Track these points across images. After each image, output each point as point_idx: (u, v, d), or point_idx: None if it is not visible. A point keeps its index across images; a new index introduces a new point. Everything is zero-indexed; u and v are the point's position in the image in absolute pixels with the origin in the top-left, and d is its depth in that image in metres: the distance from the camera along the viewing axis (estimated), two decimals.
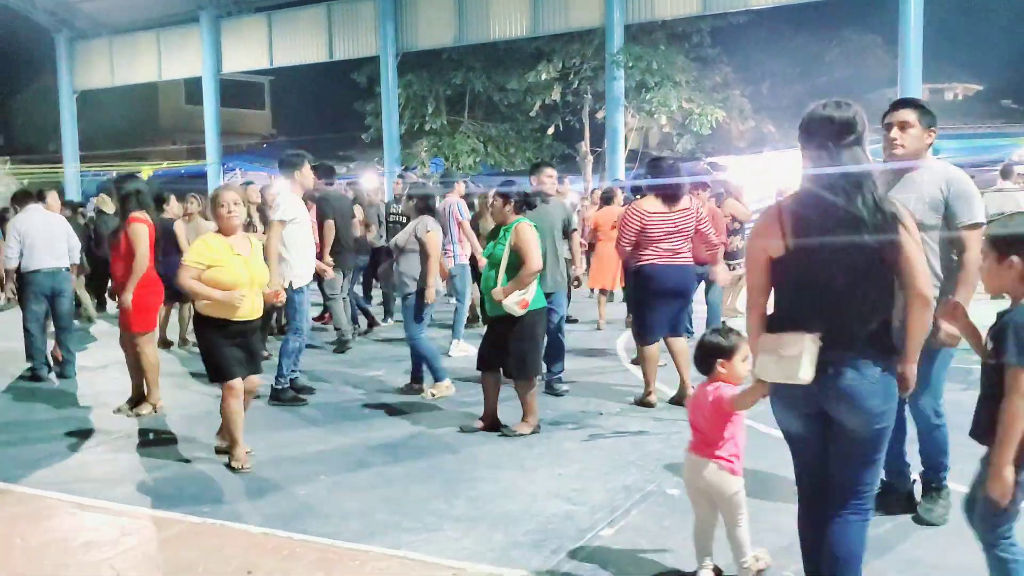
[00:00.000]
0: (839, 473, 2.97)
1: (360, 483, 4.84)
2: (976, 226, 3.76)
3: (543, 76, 21.49)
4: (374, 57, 22.65)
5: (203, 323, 5.08)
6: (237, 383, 5.04)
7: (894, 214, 2.82)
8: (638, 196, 8.31)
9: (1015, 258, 2.75)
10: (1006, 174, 10.97)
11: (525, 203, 5.77)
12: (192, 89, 30.16)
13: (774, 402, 3.03)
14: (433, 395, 6.70)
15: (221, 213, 5.13)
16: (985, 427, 2.76)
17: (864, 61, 23.82)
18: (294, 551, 3.88)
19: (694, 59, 21.41)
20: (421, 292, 6.63)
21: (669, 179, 6.42)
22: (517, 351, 5.63)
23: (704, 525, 3.49)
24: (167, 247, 7.66)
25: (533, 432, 5.68)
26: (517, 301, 5.53)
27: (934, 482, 4.09)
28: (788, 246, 2.87)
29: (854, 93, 23.65)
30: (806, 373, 2.79)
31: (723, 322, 4.23)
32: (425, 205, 6.96)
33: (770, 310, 3.04)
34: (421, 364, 6.91)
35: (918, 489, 4.17)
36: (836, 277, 2.81)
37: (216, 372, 5.08)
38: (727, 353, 3.41)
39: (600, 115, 21.82)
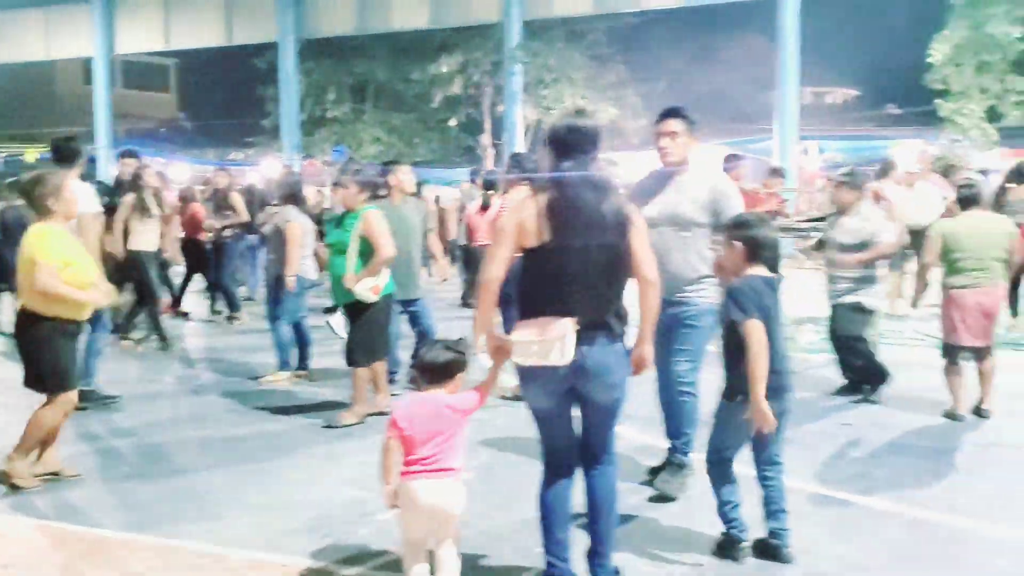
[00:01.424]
0: (593, 437, 3.35)
1: (159, 475, 4.91)
2: None
3: (444, 68, 21.65)
4: (275, 43, 22.42)
5: (52, 328, 4.51)
6: (74, 395, 4.69)
7: (628, 215, 3.23)
8: (492, 191, 8.57)
9: (736, 242, 3.55)
10: (883, 172, 11.41)
11: (375, 193, 5.88)
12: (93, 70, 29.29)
13: (529, 385, 3.27)
14: (270, 381, 6.85)
15: (68, 198, 4.62)
16: (732, 384, 3.52)
17: (755, 63, 24.62)
18: (64, 541, 3.96)
19: (591, 57, 21.83)
20: (281, 280, 6.73)
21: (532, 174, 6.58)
22: (361, 337, 5.74)
23: (416, 549, 3.27)
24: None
25: (360, 422, 5.74)
26: (370, 287, 5.63)
27: (678, 453, 4.37)
28: (547, 239, 3.15)
29: (746, 94, 24.50)
30: (568, 355, 3.08)
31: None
32: (291, 195, 7.04)
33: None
34: (307, 349, 7.04)
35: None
36: (589, 267, 3.16)
37: (60, 382, 4.56)
38: (465, 366, 3.34)
39: (501, 109, 22.09)
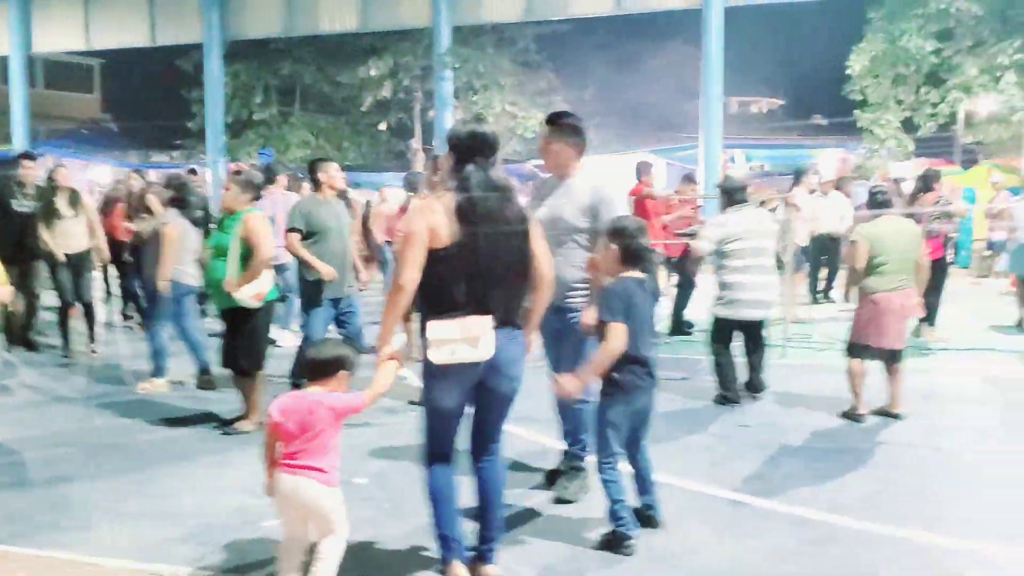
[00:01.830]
0: (489, 428, 3.47)
1: (38, 485, 4.72)
2: None
3: (373, 72, 21.49)
4: (200, 44, 21.98)
5: None
6: None
7: (528, 217, 3.45)
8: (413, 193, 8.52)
9: (613, 246, 3.78)
10: (797, 179, 11.68)
11: (258, 194, 5.73)
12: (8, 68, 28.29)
13: (440, 383, 3.28)
14: (145, 389, 6.68)
15: None
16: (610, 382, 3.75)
17: (683, 72, 25.12)
18: None
19: (521, 64, 21.92)
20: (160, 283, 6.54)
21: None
22: (244, 344, 5.58)
23: (295, 544, 3.30)
24: None
25: (258, 429, 5.56)
26: (253, 293, 5.45)
27: (574, 460, 4.41)
28: (458, 239, 3.20)
29: (673, 102, 24.90)
30: (490, 350, 3.20)
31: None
32: (176, 198, 6.85)
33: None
34: (198, 354, 6.78)
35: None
36: (499, 265, 3.28)
37: None
38: (351, 365, 3.34)
39: (432, 114, 22.02)
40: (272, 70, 22.47)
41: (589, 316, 3.97)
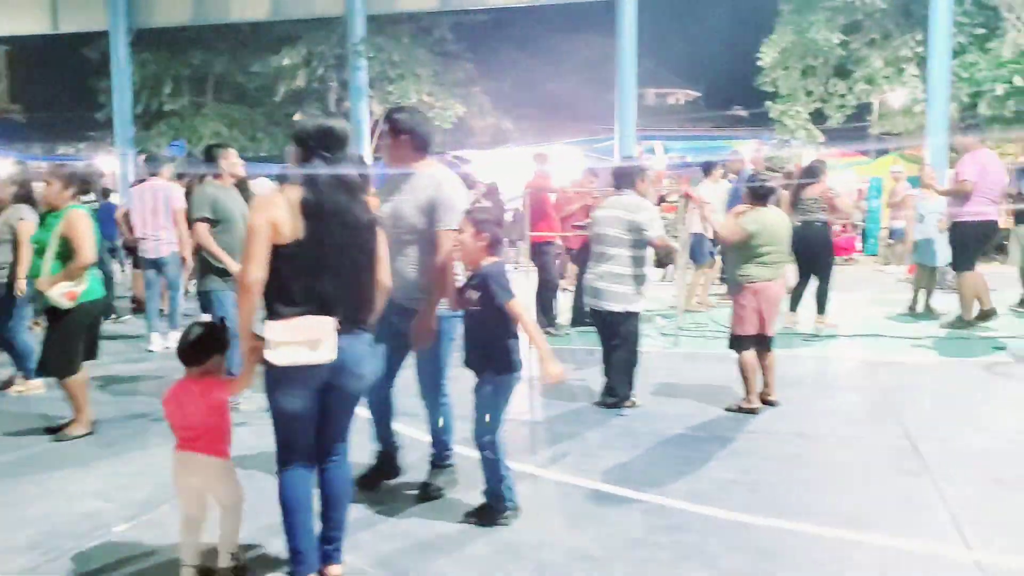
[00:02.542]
0: (335, 427, 3.37)
1: None
2: (451, 231, 4.00)
3: (286, 61, 21.06)
4: (106, 32, 21.23)
5: None
6: None
7: (374, 218, 3.38)
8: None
9: (484, 234, 3.85)
10: (706, 173, 11.83)
11: (83, 189, 5.44)
12: None
13: (284, 386, 3.15)
14: (19, 391, 6.42)
15: None
16: (477, 358, 3.89)
17: (600, 63, 25.29)
18: None
19: (439, 54, 21.75)
20: (11, 284, 6.24)
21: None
22: (51, 346, 5.30)
23: (193, 524, 3.44)
24: None
25: (89, 432, 5.43)
26: (64, 292, 5.18)
27: (440, 458, 4.38)
28: (301, 236, 3.09)
29: (592, 93, 25.02)
30: (332, 352, 3.11)
31: (222, 318, 4.21)
32: (23, 193, 6.55)
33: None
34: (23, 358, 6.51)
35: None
36: (345, 263, 3.19)
37: None
38: (223, 348, 3.46)
39: (348, 104, 21.69)
40: (183, 59, 21.82)
41: (430, 319, 4.00)
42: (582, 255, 9.51)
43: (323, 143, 3.23)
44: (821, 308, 8.94)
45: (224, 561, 3.43)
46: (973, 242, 8.46)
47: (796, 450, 5.02)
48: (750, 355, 5.82)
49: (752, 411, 5.79)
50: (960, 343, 8.09)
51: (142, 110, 21.86)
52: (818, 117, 20.63)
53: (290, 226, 3.09)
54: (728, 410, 5.85)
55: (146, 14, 21.19)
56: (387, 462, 4.51)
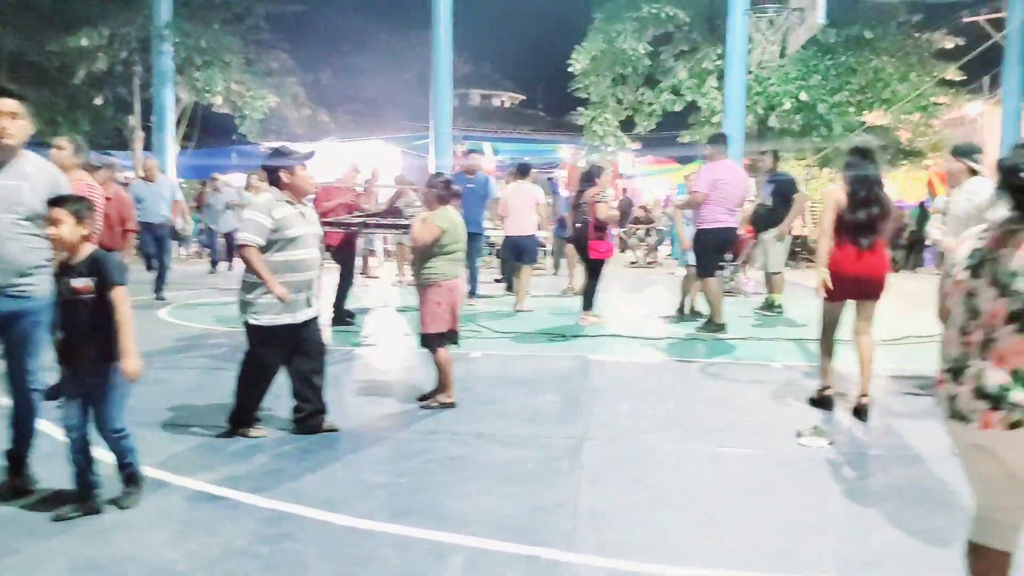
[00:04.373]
0: None
1: None
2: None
3: (85, 42, 19.77)
4: None
5: None
6: None
7: None
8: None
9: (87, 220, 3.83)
10: (523, 172, 11.82)
11: None
12: None
13: None
14: None
15: None
16: (83, 347, 3.78)
17: (422, 60, 25.16)
18: None
19: (254, 43, 21.02)
20: None
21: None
22: None
23: None
24: None
25: None
26: None
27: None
28: None
29: (412, 90, 24.87)
30: None
31: None
32: None
33: None
34: None
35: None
36: None
37: None
38: None
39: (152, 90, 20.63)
40: None
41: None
42: (339, 254, 9.30)
43: None
44: (587, 304, 9.39)
45: None
46: (711, 249, 8.83)
47: (465, 451, 4.99)
48: (445, 352, 5.83)
49: (451, 405, 5.81)
50: (692, 345, 8.41)
51: None
52: (628, 124, 21.27)
53: None
54: (427, 408, 5.82)
55: None
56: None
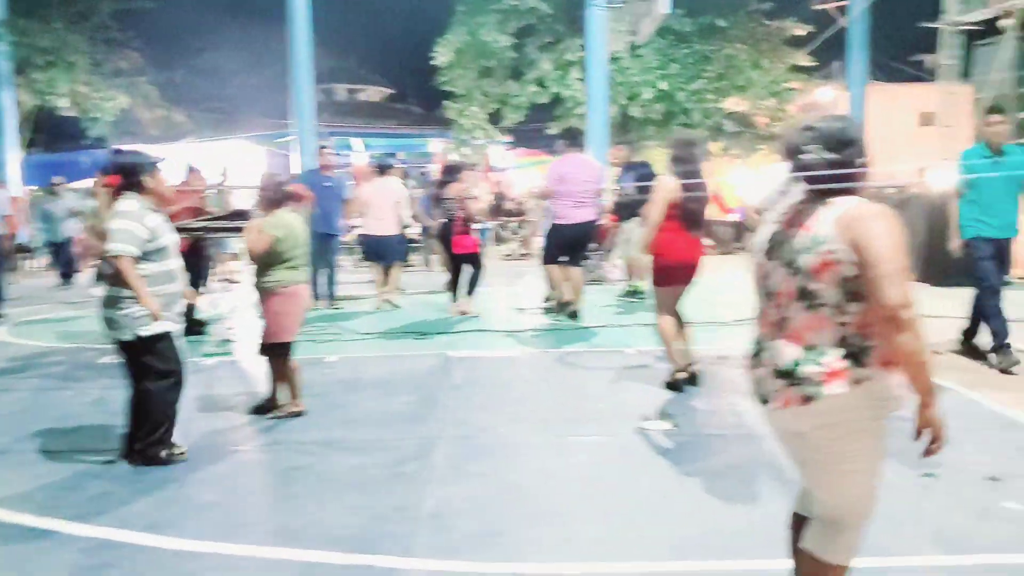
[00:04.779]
0: None
1: None
2: None
3: None
4: None
5: None
6: None
7: None
8: None
9: None
10: (382, 170, 11.54)
11: None
12: None
13: None
14: None
15: None
16: None
17: (283, 57, 24.55)
18: None
19: (102, 42, 20.00)
20: None
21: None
22: None
23: None
24: None
25: None
26: None
27: None
28: None
29: (274, 87, 24.20)
30: None
31: None
32: None
33: None
34: None
35: None
36: None
37: None
38: None
39: None
40: None
41: None
42: (190, 260, 8.93)
43: None
44: (467, 292, 9.66)
45: None
46: (557, 243, 8.97)
47: (308, 461, 4.84)
48: (290, 359, 5.68)
49: (299, 413, 5.66)
50: (552, 335, 8.48)
51: None
52: (497, 117, 21.31)
53: None
54: (275, 418, 5.64)
55: None
56: None
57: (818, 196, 2.61)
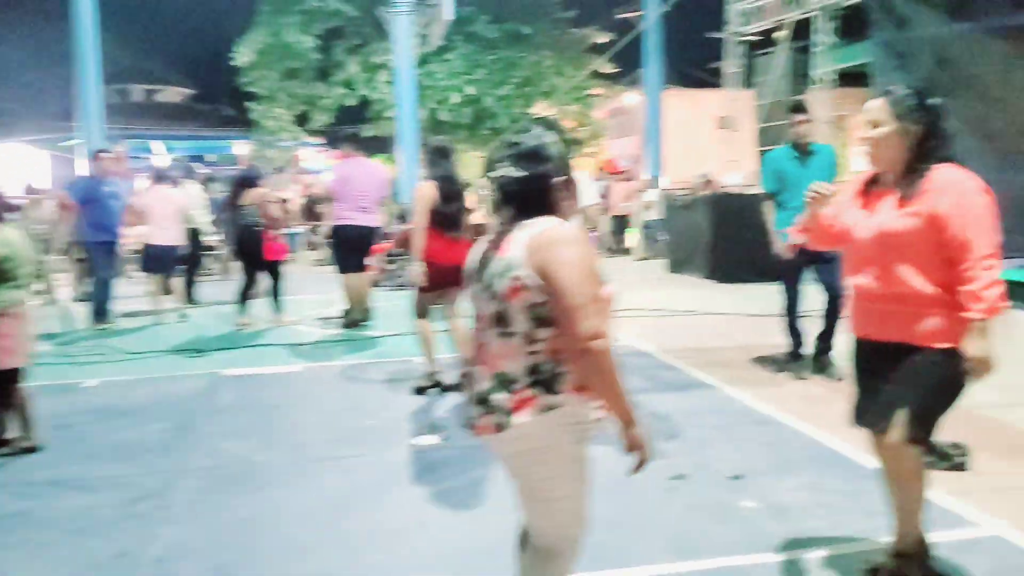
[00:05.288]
0: None
1: None
2: None
3: None
4: None
5: None
6: None
7: None
8: None
9: None
10: (159, 178, 10.75)
11: None
12: None
13: None
14: None
15: None
16: None
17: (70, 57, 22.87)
18: None
19: None
20: None
21: None
22: None
23: None
24: None
25: None
26: None
27: None
28: None
29: (60, 88, 22.46)
30: None
31: None
32: None
33: None
34: None
35: None
36: None
37: None
38: None
39: None
40: None
41: None
42: None
43: None
44: (276, 308, 9.29)
45: None
46: (342, 246, 8.77)
47: (29, 504, 4.32)
48: (20, 387, 5.13)
49: (33, 449, 5.12)
50: (337, 347, 8.21)
51: None
52: (305, 119, 20.74)
53: None
54: (2, 455, 5.07)
55: None
56: None
57: (516, 216, 2.52)
